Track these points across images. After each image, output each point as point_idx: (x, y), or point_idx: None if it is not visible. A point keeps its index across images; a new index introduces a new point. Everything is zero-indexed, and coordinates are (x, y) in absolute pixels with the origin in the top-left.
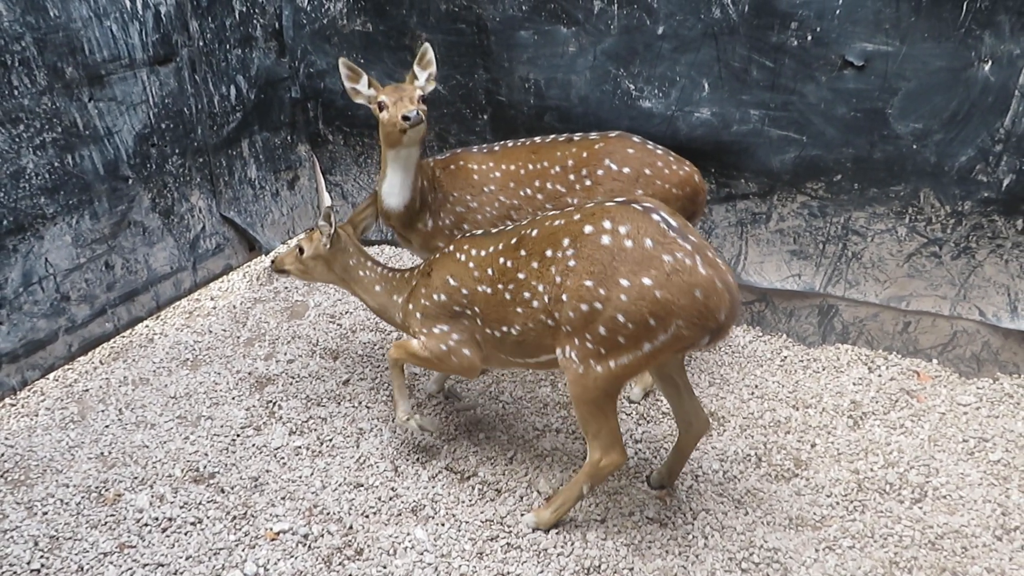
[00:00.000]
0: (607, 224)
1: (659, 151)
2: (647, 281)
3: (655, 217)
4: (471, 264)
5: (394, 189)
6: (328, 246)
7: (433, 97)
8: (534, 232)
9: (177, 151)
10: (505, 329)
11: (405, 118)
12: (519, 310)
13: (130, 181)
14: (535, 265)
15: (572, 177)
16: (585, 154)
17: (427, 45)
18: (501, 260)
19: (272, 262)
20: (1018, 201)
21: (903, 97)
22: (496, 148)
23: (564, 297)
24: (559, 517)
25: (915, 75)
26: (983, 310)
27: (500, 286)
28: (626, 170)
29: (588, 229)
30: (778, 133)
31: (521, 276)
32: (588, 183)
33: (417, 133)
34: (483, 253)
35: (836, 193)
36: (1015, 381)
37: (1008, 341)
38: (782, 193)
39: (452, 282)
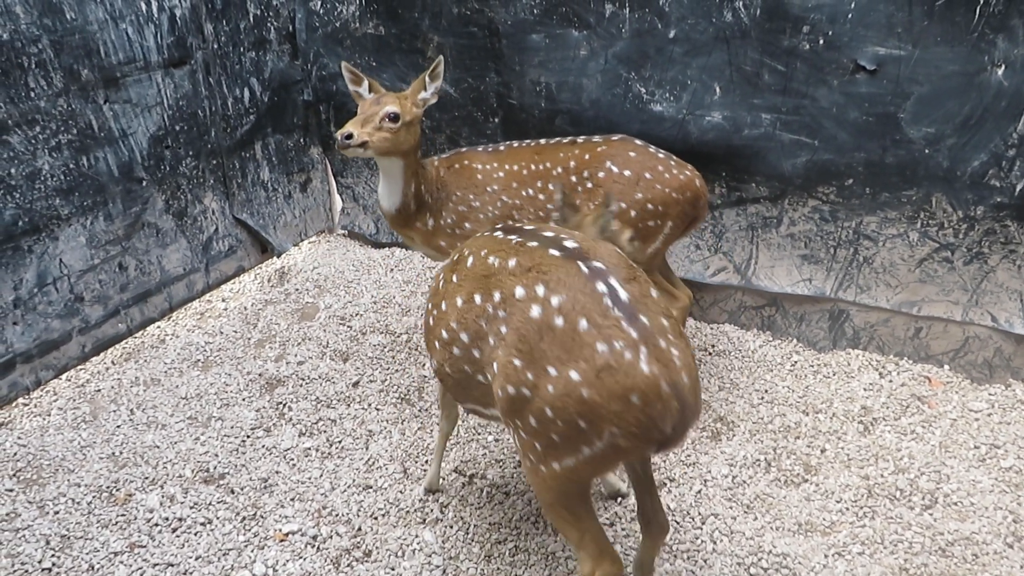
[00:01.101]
0: (540, 291)
1: (660, 155)
2: (574, 375)
3: (599, 287)
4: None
5: (385, 192)
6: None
7: (445, 100)
8: (470, 260)
9: (191, 153)
10: (431, 358)
11: (345, 136)
12: (436, 344)
13: (144, 183)
14: (459, 302)
15: (574, 179)
16: (587, 156)
17: (440, 58)
18: (439, 283)
19: (348, 137)
20: None
21: (915, 101)
22: (501, 148)
23: (495, 367)
24: None
25: (928, 79)
26: (995, 316)
27: (430, 307)
28: (627, 173)
29: (519, 293)
30: (790, 137)
31: (443, 307)
32: (589, 185)
33: (366, 151)
34: (440, 272)
35: (848, 197)
36: None
37: (1020, 347)
38: (793, 197)
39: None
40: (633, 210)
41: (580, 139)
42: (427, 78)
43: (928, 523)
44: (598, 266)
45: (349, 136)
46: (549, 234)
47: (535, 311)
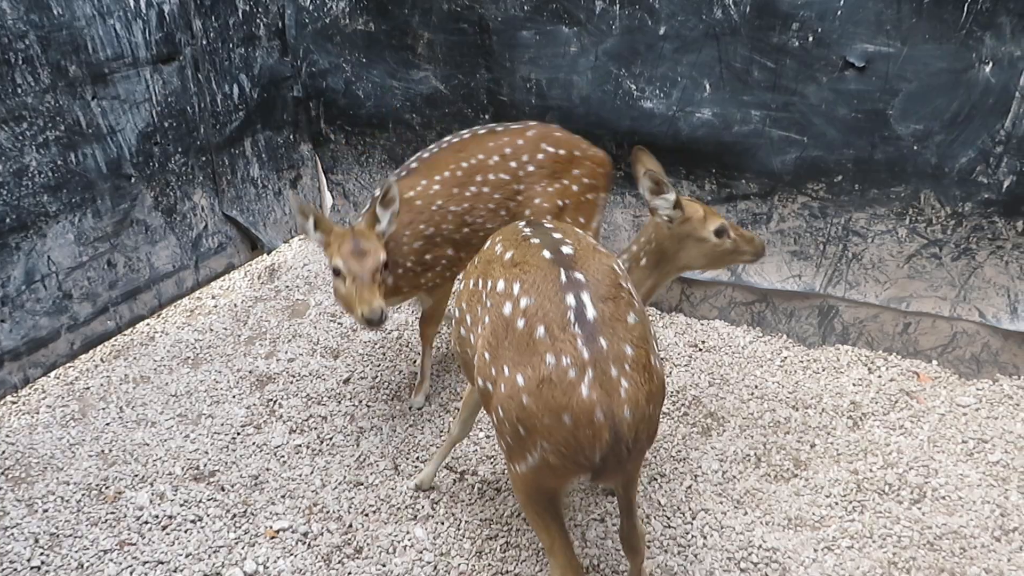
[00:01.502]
0: (515, 289)
1: (575, 136)
2: (520, 380)
3: (568, 299)
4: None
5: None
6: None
7: (435, 96)
8: (487, 244)
9: (180, 150)
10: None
11: (369, 321)
12: (458, 327)
13: (133, 179)
14: (471, 284)
15: (514, 164)
16: (520, 141)
17: (390, 181)
18: (476, 258)
19: (380, 319)
20: (1018, 202)
21: (904, 98)
22: (415, 165)
23: (476, 359)
24: None
25: (916, 76)
26: (983, 311)
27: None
28: (562, 152)
29: (500, 286)
30: (779, 134)
31: (460, 286)
32: (531, 168)
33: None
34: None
35: (837, 194)
36: (1015, 382)
37: (1008, 342)
38: (783, 194)
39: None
40: (575, 185)
41: (498, 127)
42: (378, 208)
43: (916, 517)
44: (577, 277)
45: (380, 317)
46: (557, 236)
47: (507, 308)
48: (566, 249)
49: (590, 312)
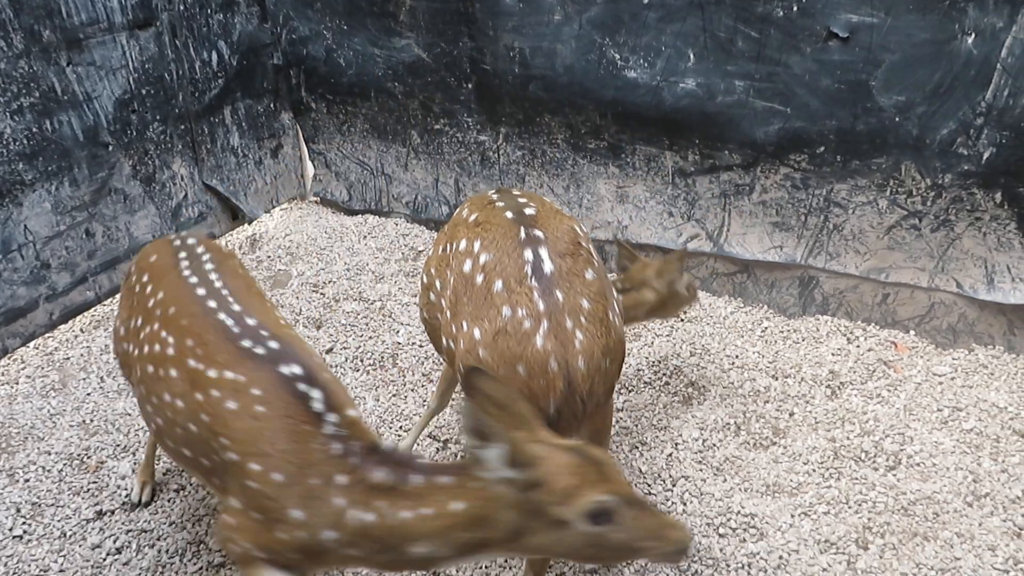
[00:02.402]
0: (476, 247)
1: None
2: (476, 333)
3: (526, 254)
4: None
5: None
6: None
7: (418, 65)
8: (457, 210)
9: (158, 117)
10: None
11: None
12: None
13: (110, 148)
14: (439, 251)
15: None
16: None
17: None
18: (446, 226)
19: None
20: (998, 174)
21: (887, 69)
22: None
23: (442, 316)
24: None
25: (899, 47)
26: (960, 282)
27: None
28: None
29: (463, 246)
30: (762, 104)
31: (431, 253)
32: None
33: None
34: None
35: (819, 165)
36: (989, 352)
37: (984, 313)
38: (765, 165)
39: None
40: None
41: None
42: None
43: (891, 483)
44: (536, 234)
45: None
46: (522, 200)
47: (467, 266)
48: (528, 211)
49: (547, 266)
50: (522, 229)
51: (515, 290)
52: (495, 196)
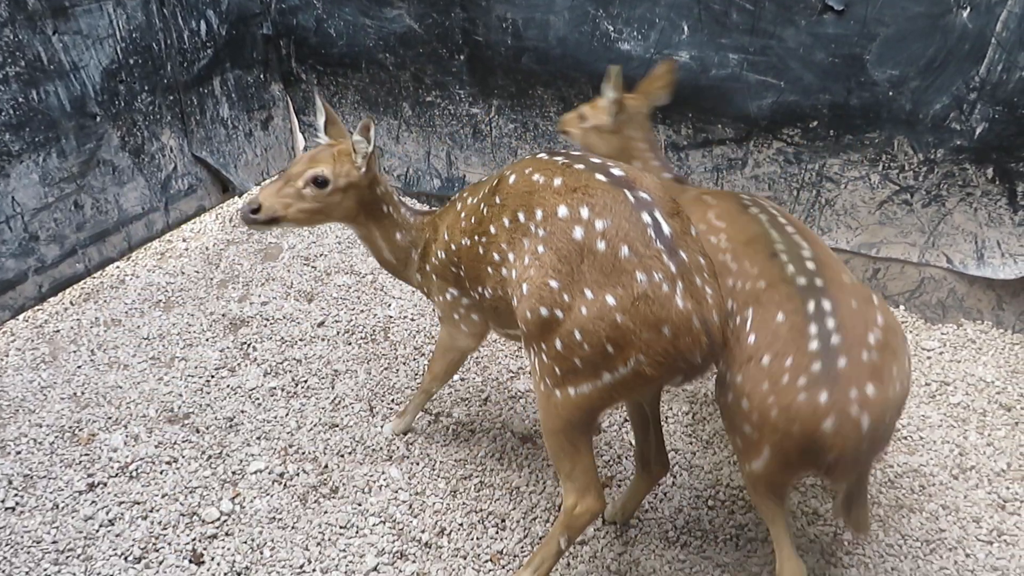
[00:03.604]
0: (584, 213)
1: (814, 344)
2: (610, 300)
3: (644, 218)
4: (462, 213)
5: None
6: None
7: (409, 36)
8: (512, 178)
9: (146, 88)
10: (480, 290)
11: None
12: (489, 270)
13: (98, 118)
14: (506, 223)
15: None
16: (740, 285)
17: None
18: (481, 207)
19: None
20: (990, 150)
21: (881, 43)
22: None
23: (525, 288)
24: None
25: (894, 20)
26: (951, 257)
27: (476, 237)
28: (751, 338)
29: (563, 212)
30: (756, 78)
31: (492, 230)
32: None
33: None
34: (472, 200)
35: (812, 140)
36: (978, 327)
37: (973, 288)
38: (758, 139)
39: (446, 236)
40: (731, 392)
41: (784, 254)
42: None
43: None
44: (644, 197)
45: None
46: (596, 160)
47: (577, 233)
48: (616, 171)
49: (665, 228)
50: (627, 192)
51: (644, 255)
52: (558, 159)
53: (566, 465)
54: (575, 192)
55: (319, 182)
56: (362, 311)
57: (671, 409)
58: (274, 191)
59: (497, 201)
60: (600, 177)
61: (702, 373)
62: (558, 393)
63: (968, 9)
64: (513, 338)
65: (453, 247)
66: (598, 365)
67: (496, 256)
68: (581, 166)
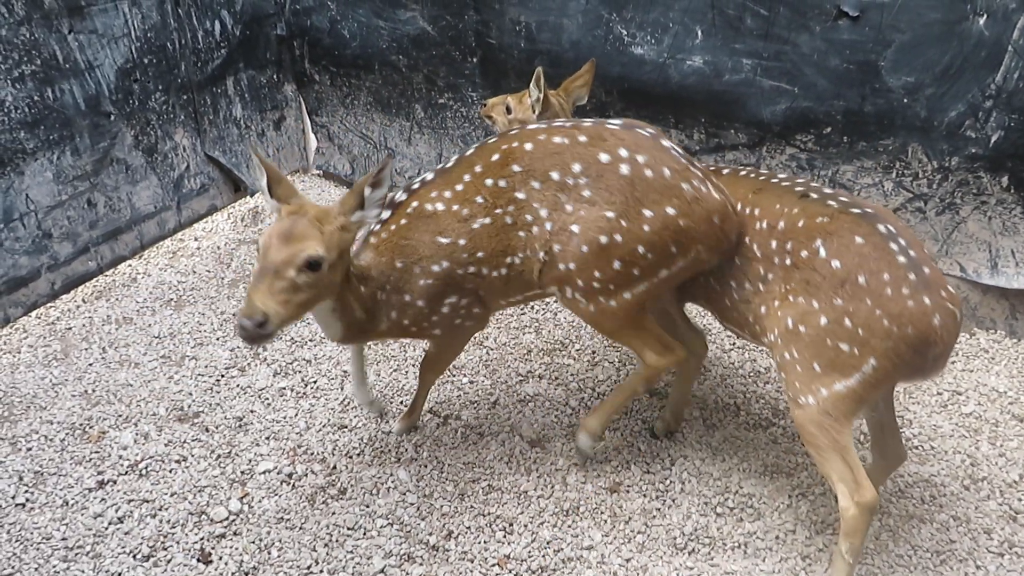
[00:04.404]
0: (623, 152)
1: (901, 258)
2: (670, 210)
3: (663, 143)
4: (454, 206)
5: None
6: (537, 112)
7: (423, 38)
8: (527, 146)
9: (160, 87)
10: (508, 260)
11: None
12: (521, 234)
13: (112, 117)
14: (536, 186)
15: (774, 244)
16: (802, 223)
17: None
18: (489, 182)
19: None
20: (1005, 158)
21: (896, 49)
22: (725, 171)
23: (575, 228)
24: (605, 423)
25: (909, 27)
26: (964, 266)
27: (499, 211)
28: (835, 264)
29: (604, 157)
30: (770, 83)
31: (521, 195)
32: (788, 261)
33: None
34: (459, 188)
35: (825, 146)
36: (991, 336)
37: (986, 297)
38: (771, 145)
39: (443, 240)
40: (823, 316)
41: (816, 193)
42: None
43: None
44: (653, 131)
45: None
46: (588, 122)
47: (624, 168)
48: (614, 123)
49: (679, 149)
50: (640, 130)
51: (679, 169)
52: (558, 123)
53: (637, 343)
54: (605, 141)
55: (313, 265)
56: None
57: None
58: (266, 292)
59: (516, 169)
60: (610, 125)
61: (733, 249)
62: (613, 303)
63: (985, 16)
64: (513, 304)
65: (463, 241)
66: (658, 265)
67: (529, 217)
68: (587, 122)
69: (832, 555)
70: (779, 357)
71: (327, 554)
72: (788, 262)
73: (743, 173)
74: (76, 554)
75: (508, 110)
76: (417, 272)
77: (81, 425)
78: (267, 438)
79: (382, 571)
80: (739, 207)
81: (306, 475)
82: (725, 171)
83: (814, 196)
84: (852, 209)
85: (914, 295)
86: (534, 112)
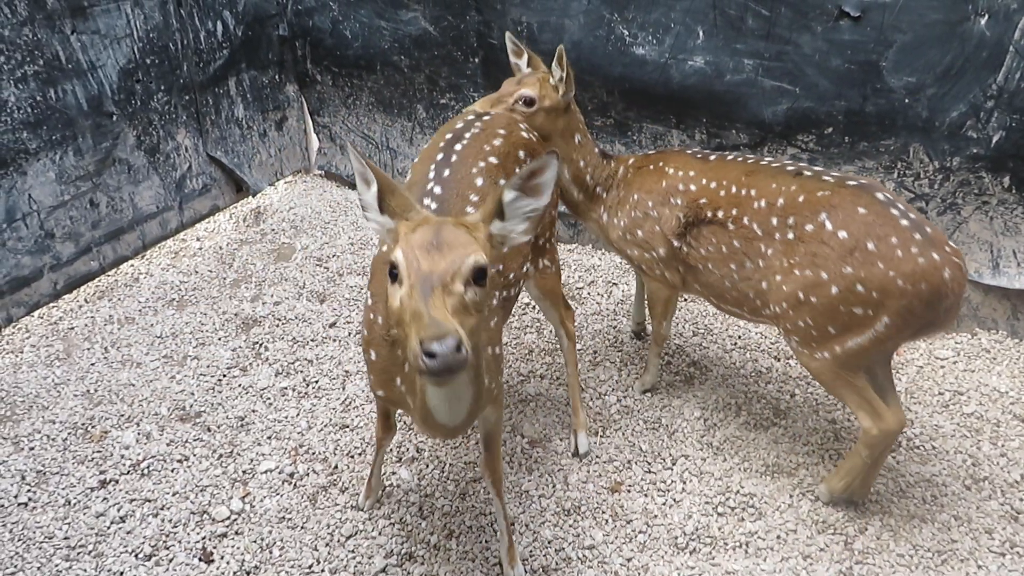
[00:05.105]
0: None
1: (904, 222)
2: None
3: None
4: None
5: None
6: (562, 92)
7: (424, 38)
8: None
9: (162, 88)
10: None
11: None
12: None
13: (114, 117)
14: (775, 226)
15: (775, 221)
16: (802, 198)
17: (560, 48)
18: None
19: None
20: (1006, 158)
21: (898, 50)
22: (711, 158)
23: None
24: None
25: (911, 27)
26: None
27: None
28: (842, 235)
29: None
30: (771, 84)
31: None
32: (790, 236)
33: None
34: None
35: (827, 146)
36: (992, 336)
37: (988, 297)
38: (773, 145)
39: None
40: (834, 286)
41: (808, 172)
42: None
43: (891, 465)
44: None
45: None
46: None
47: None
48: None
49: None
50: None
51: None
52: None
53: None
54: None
55: (478, 276)
56: None
57: (681, 414)
58: (442, 307)
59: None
60: (851, 183)
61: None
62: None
63: (986, 16)
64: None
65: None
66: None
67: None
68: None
69: (849, 452)
70: (788, 324)
71: (328, 553)
72: (791, 236)
73: (730, 158)
74: (78, 553)
75: (529, 102)
76: None
77: (83, 425)
78: (269, 438)
79: (383, 570)
80: (733, 189)
81: (308, 475)
82: (712, 158)
83: (808, 174)
84: (848, 182)
85: (924, 253)
86: (558, 92)
